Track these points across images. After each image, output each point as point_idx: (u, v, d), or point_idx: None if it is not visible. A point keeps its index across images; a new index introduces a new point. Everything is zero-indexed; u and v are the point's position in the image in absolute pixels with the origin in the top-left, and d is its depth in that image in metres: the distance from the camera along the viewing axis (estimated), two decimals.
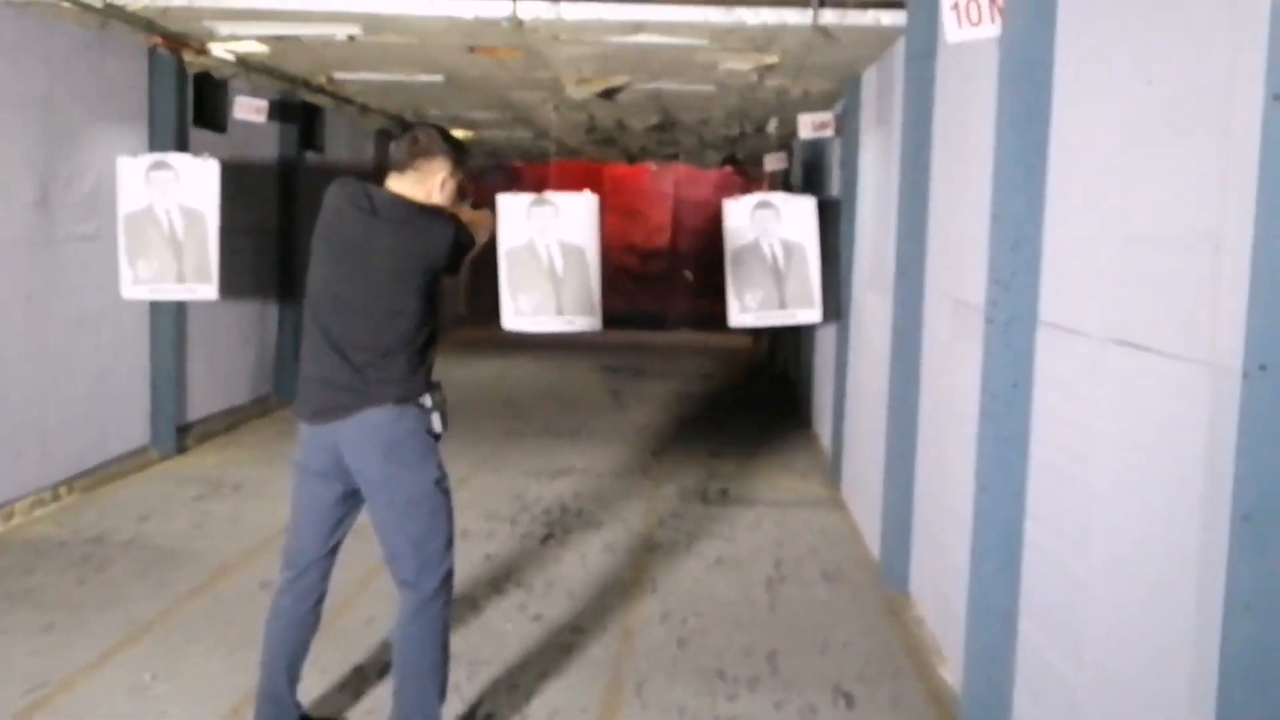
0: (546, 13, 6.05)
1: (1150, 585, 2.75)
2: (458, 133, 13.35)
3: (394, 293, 3.65)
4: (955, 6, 3.92)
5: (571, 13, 6.05)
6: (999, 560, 3.87)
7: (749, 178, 18.82)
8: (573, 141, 13.73)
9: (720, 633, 5.18)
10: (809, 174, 11.17)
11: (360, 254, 3.66)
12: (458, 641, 4.92)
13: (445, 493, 3.81)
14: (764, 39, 6.59)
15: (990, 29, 3.89)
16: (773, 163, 13.38)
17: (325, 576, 3.95)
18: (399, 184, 3.79)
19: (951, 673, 4.62)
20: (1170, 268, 2.69)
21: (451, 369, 14.22)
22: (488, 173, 18.12)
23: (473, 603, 5.44)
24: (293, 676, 3.93)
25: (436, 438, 3.79)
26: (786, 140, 12.63)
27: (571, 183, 14.70)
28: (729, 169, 18.16)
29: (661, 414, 11.22)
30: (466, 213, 3.99)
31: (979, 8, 3.89)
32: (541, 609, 5.41)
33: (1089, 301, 3.24)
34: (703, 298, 18.87)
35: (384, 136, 13.41)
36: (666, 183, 19.63)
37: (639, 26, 6.32)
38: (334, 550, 3.95)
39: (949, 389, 4.85)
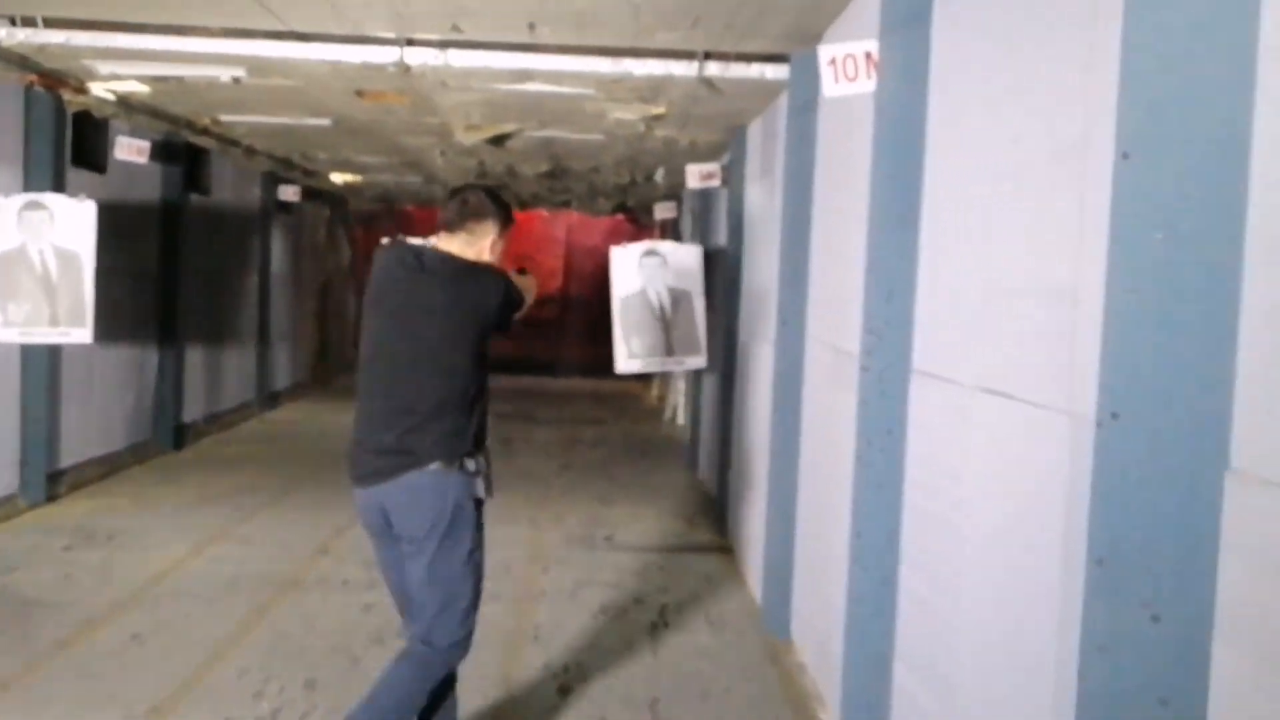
0: (434, 59, 6.05)
1: (1014, 628, 2.81)
2: (347, 177, 13.30)
3: (446, 349, 3.66)
4: (833, 62, 4.01)
5: (459, 59, 6.06)
6: (874, 605, 3.92)
7: (640, 225, 18.95)
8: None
9: (602, 681, 5.16)
10: (698, 223, 11.30)
11: (412, 311, 3.67)
12: (333, 696, 4.85)
13: (476, 562, 3.82)
14: (650, 90, 6.68)
15: (866, 84, 3.99)
16: (663, 211, 13.53)
17: None
18: (449, 243, 3.80)
19: (830, 718, 4.65)
20: (1033, 319, 2.77)
21: (335, 415, 14.03)
22: (378, 216, 18.00)
23: (350, 654, 5.35)
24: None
25: (479, 503, 3.79)
26: (676, 189, 12.78)
27: None
28: (620, 216, 18.28)
29: (550, 460, 11.17)
30: (514, 278, 4.00)
31: (856, 64, 3.99)
32: None
33: (959, 351, 3.32)
34: (594, 344, 18.92)
35: (271, 179, 13.26)
36: (559, 229, 19.71)
37: (527, 75, 6.35)
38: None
39: (828, 436, 4.92)
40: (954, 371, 3.36)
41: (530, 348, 18.89)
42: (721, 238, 9.27)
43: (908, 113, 3.80)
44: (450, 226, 3.82)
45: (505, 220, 3.89)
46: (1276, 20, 1.87)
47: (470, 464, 3.72)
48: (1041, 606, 2.62)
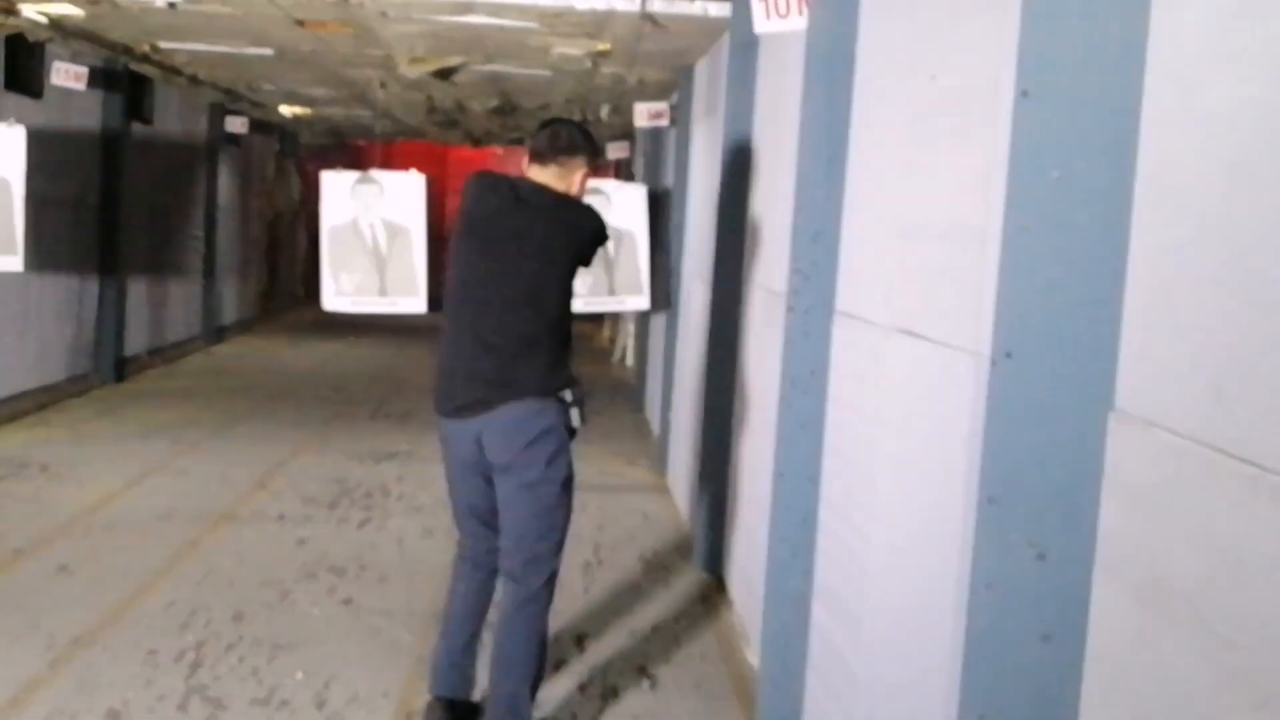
0: None
1: (919, 565, 2.83)
2: (296, 110, 13.10)
3: (542, 281, 3.71)
4: None
5: None
6: (794, 545, 3.94)
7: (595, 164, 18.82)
8: (414, 122, 13.55)
9: None
10: (649, 162, 11.23)
11: (510, 241, 3.70)
12: (258, 626, 4.84)
13: (569, 494, 3.82)
14: (594, 25, 6.60)
15: (798, 21, 3.94)
16: (615, 150, 13.44)
17: (493, 550, 3.89)
18: (541, 175, 3.84)
19: (755, 655, 4.69)
20: (945, 260, 2.77)
21: (282, 350, 13.97)
22: (329, 151, 17.78)
23: (280, 588, 5.34)
24: (474, 646, 3.99)
25: (572, 434, 3.80)
26: (629, 129, 12.68)
27: (415, 163, 14.51)
28: None
29: None
30: None
31: (787, 1, 3.94)
32: (352, 593, 5.33)
33: (877, 291, 3.32)
34: None
35: (218, 111, 13.05)
36: (512, 167, 19.52)
37: (467, 7, 6.26)
38: (495, 525, 3.87)
39: (760, 377, 4.93)
40: (872, 312, 3.36)
41: None
42: (671, 178, 9.23)
43: (837, 51, 3.76)
44: (541, 158, 3.84)
45: (594, 155, 3.94)
46: None
47: (567, 394, 3.75)
48: (945, 544, 2.64)
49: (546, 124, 3.98)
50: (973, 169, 2.62)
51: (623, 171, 14.38)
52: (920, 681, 2.73)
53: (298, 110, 13.31)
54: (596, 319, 16.38)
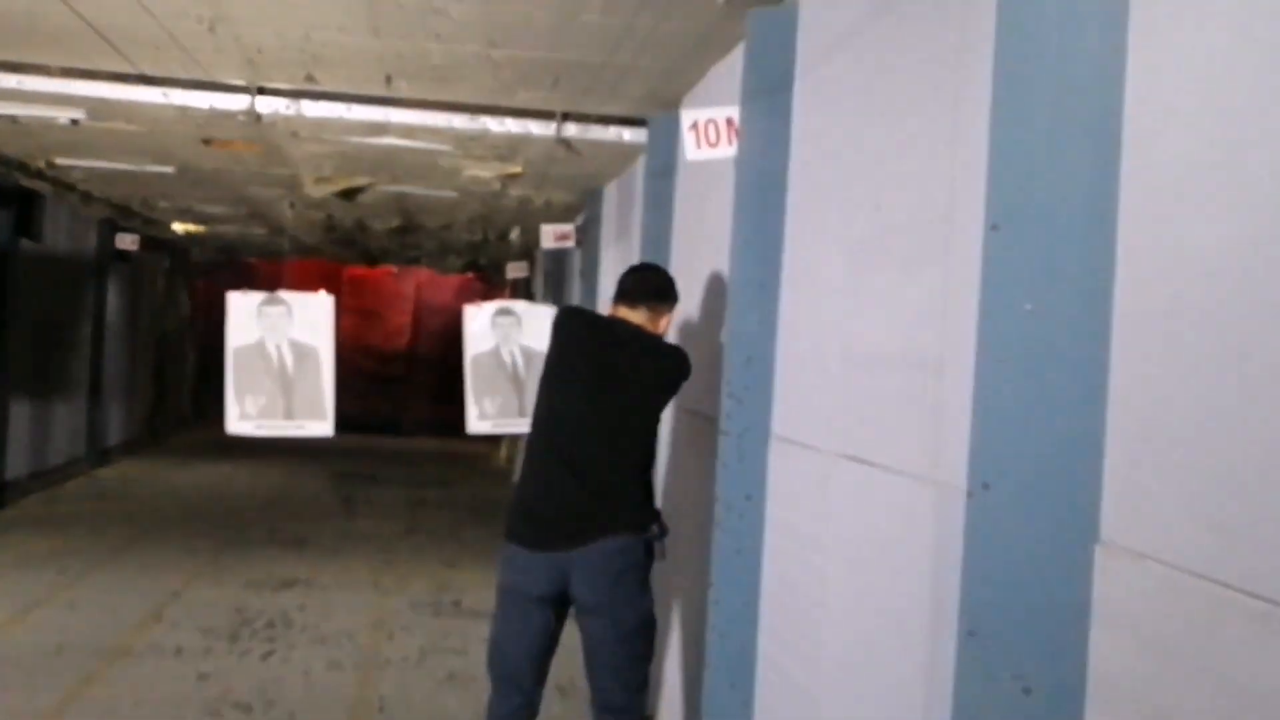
0: (286, 109, 5.90)
1: (880, 699, 2.78)
2: (189, 226, 12.92)
3: (638, 419, 3.83)
4: (695, 126, 4.02)
5: (312, 110, 5.93)
6: (730, 674, 3.87)
7: (490, 283, 18.86)
8: (311, 240, 13.44)
9: None
10: (551, 283, 11.26)
11: (607, 380, 3.82)
12: None
13: (654, 619, 3.87)
14: (508, 148, 6.64)
15: (728, 150, 4.00)
16: (515, 270, 13.47)
17: (534, 704, 3.90)
18: (632, 315, 3.97)
19: None
20: (897, 388, 2.77)
21: (171, 473, 13.54)
22: (219, 268, 17.52)
23: None
24: None
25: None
26: (529, 248, 12.74)
27: (309, 282, 14.31)
28: (470, 274, 18.16)
29: (394, 522, 10.91)
30: None
31: (718, 129, 4.00)
32: None
33: (820, 417, 3.31)
34: (441, 403, 18.65)
35: (109, 226, 12.80)
36: (408, 285, 19.45)
37: (382, 128, 6.25)
38: (544, 671, 3.92)
39: (686, 501, 4.88)
40: (815, 438, 3.36)
41: (376, 406, 18.50)
42: (575, 298, 9.25)
43: (768, 179, 3.82)
44: (631, 300, 3.98)
45: (676, 299, 4.08)
46: (1139, 97, 1.91)
47: (654, 528, 3.82)
48: (908, 677, 2.60)
49: (636, 269, 4.17)
50: (926, 298, 2.64)
51: (520, 291, 14.40)
52: None
53: (190, 227, 13.12)
54: (493, 439, 16.22)
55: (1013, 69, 2.13)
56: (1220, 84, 1.74)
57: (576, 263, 9.47)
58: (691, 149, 4.05)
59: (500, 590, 3.88)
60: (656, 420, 3.88)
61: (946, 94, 2.60)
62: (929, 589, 2.52)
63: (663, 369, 3.92)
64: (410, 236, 12.15)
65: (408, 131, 6.31)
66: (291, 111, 5.93)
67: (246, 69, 5.52)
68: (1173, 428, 1.75)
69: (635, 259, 6.15)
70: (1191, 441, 1.71)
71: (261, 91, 5.86)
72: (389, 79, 5.50)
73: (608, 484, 3.76)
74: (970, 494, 2.12)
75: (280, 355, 6.70)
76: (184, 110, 6.02)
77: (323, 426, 6.77)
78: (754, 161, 3.88)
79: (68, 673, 5.73)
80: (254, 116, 5.98)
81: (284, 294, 6.78)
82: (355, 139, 6.57)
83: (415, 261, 16.21)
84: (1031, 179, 2.04)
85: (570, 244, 8.93)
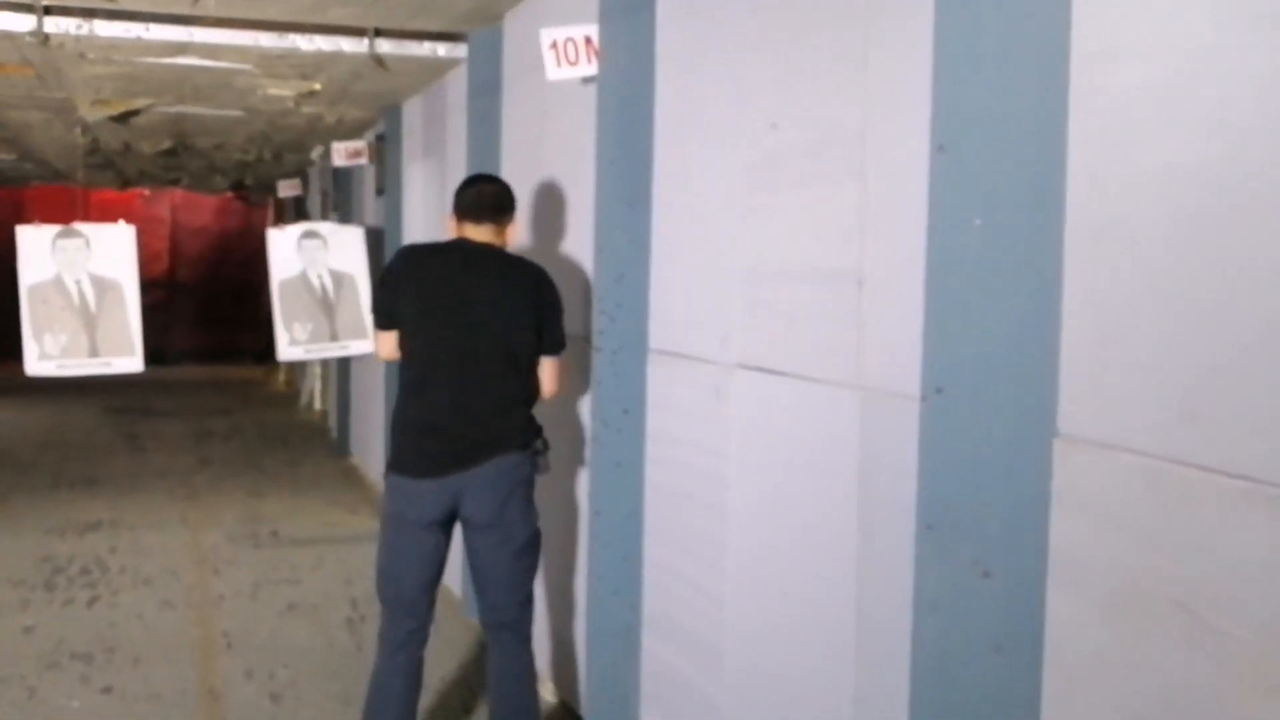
0: (78, 28, 5.53)
1: (804, 596, 2.96)
2: None
3: (515, 339, 3.81)
4: (554, 46, 4.01)
5: (107, 30, 5.57)
6: (615, 582, 4.00)
7: (251, 203, 18.17)
8: (63, 165, 12.61)
9: (313, 683, 4.97)
10: (333, 201, 10.95)
11: (476, 306, 3.79)
12: None
13: (540, 536, 3.92)
14: (313, 66, 6.42)
15: (588, 68, 4.02)
16: (287, 188, 13.08)
17: (426, 626, 3.95)
18: (479, 233, 3.90)
19: (549, 692, 4.72)
20: (808, 300, 2.91)
21: None
22: None
23: (24, 683, 4.87)
24: None
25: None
26: (302, 166, 12.36)
27: (52, 209, 13.47)
28: (230, 194, 17.44)
29: (185, 456, 10.57)
30: None
31: (576, 48, 4.01)
32: (109, 680, 4.94)
33: (711, 331, 3.43)
34: (207, 330, 17.95)
35: None
36: (162, 209, 18.47)
37: (182, 48, 5.93)
38: (434, 596, 3.97)
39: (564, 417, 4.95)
40: (706, 351, 3.47)
41: None
42: (368, 217, 9.07)
43: (633, 98, 3.87)
44: (476, 217, 3.91)
45: (515, 207, 4.03)
46: (1087, 16, 2.06)
47: (538, 443, 3.86)
48: (838, 573, 2.77)
49: (474, 182, 4.04)
50: (839, 215, 2.77)
51: (291, 210, 13.95)
52: (824, 703, 2.85)
53: None
54: (268, 364, 15.78)
55: None
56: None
57: (368, 180, 9.27)
58: (552, 68, 4.05)
59: (387, 518, 3.87)
60: (533, 336, 3.85)
61: (856, 13, 2.71)
62: (856, 488, 2.70)
63: (530, 284, 3.88)
64: (176, 158, 11.57)
65: (210, 51, 6.01)
66: (84, 31, 5.56)
67: None
68: (1140, 330, 1.93)
69: (450, 176, 6.10)
70: (1159, 342, 1.89)
71: (49, 11, 5.47)
72: None
73: (494, 405, 3.77)
74: (924, 399, 2.28)
75: (81, 291, 6.38)
76: None
77: (132, 362, 6.52)
78: (617, 80, 3.92)
79: None
80: (41, 37, 5.58)
81: (80, 226, 6.45)
82: (149, 60, 6.22)
83: (175, 183, 15.43)
84: (977, 103, 2.17)
85: (363, 161, 8.74)
